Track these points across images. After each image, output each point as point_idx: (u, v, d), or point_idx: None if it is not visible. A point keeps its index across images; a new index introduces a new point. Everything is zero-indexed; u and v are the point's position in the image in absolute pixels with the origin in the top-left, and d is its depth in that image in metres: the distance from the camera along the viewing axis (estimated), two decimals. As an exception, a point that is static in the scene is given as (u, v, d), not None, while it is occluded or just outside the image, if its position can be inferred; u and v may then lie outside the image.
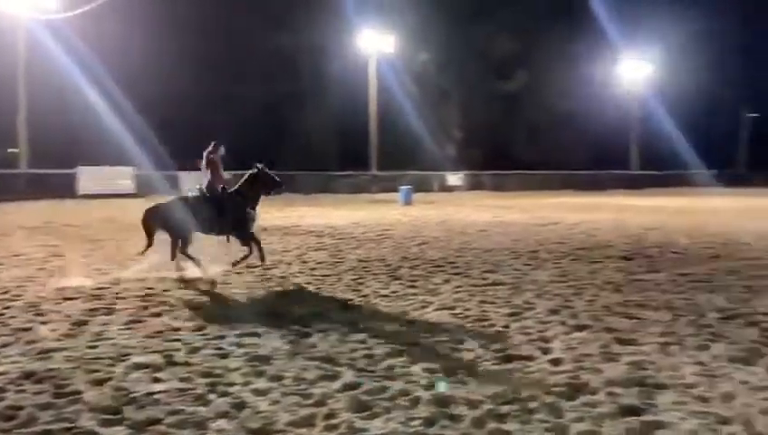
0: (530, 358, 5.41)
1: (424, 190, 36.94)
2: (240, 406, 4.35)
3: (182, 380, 4.81)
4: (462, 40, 48.53)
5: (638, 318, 6.80)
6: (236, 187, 9.56)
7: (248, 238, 9.48)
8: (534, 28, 49.61)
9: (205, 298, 7.78)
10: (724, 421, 4.06)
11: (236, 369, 5.08)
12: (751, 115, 60.00)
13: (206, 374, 4.93)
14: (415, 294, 7.98)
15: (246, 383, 4.77)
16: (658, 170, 53.15)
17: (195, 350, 5.57)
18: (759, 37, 59.21)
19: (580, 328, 6.38)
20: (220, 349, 5.61)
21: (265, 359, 5.32)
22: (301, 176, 36.78)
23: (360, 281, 8.91)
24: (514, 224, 18.17)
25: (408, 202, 27.80)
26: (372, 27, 41.16)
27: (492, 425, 4.06)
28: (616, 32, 49.46)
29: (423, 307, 7.28)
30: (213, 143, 9.45)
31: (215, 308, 7.26)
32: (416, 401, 4.42)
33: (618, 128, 53.71)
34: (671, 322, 6.63)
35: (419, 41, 46.70)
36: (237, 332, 6.09)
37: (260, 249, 9.45)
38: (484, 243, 13.46)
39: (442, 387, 4.65)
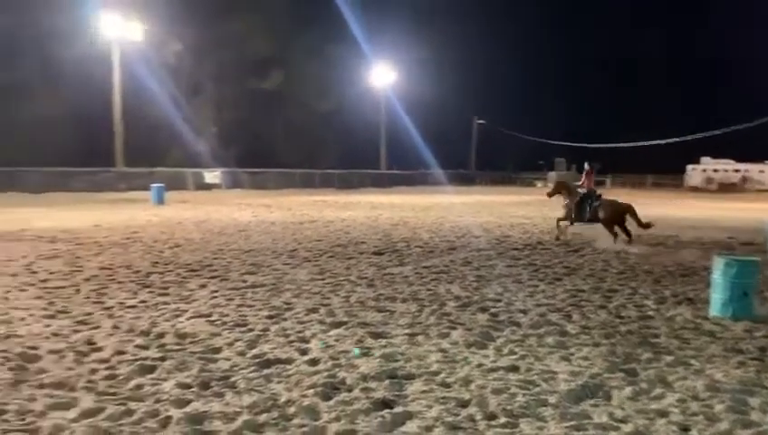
0: (288, 361, 5.37)
1: (178, 189, 35.04)
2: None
3: None
4: (217, 34, 47.10)
5: (389, 311, 7.19)
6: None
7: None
8: (290, 29, 50.19)
9: None
10: (464, 404, 4.45)
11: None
12: (479, 121, 68.20)
13: None
14: (167, 303, 7.45)
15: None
16: (403, 170, 57.72)
17: None
18: (489, 52, 67.81)
19: (337, 325, 6.53)
20: None
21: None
22: (28, 172, 32.22)
23: (102, 292, 8.03)
24: (274, 223, 18.14)
25: (160, 201, 26.11)
26: (114, 12, 37.67)
27: (248, 437, 3.92)
28: (366, 39, 52.62)
29: (176, 316, 6.82)
30: (588, 163, 14.83)
31: None
32: (166, 422, 4.08)
33: (369, 129, 57.07)
34: (417, 313, 7.13)
35: (171, 31, 44.18)
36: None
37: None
38: (243, 243, 13.17)
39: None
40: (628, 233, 13.63)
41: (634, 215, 13.50)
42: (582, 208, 13.84)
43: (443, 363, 5.32)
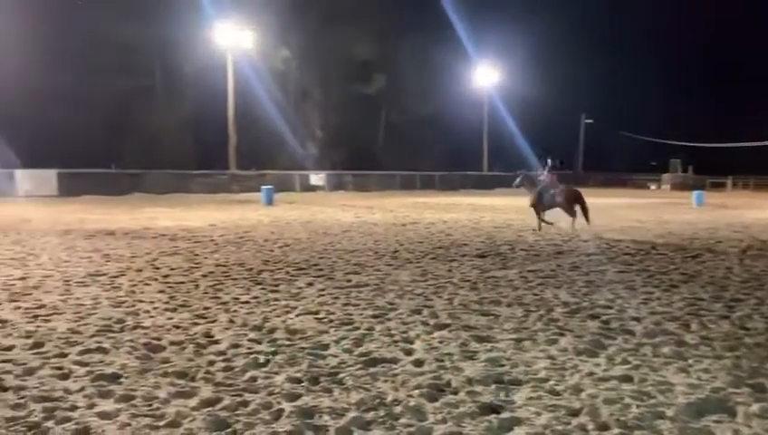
0: (394, 360, 5.42)
1: (286, 190, 36.40)
2: (84, 432, 3.93)
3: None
4: (322, 41, 48.54)
5: (493, 315, 7.09)
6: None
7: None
8: (393, 34, 50.84)
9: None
10: (574, 413, 4.30)
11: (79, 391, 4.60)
12: (587, 121, 65.75)
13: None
14: (277, 300, 7.76)
15: (91, 406, 4.33)
16: (506, 171, 56.62)
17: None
18: (596, 51, 65.25)
19: (441, 327, 6.52)
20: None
21: (113, 378, 4.88)
22: (152, 175, 34.74)
23: (218, 287, 8.50)
24: (376, 224, 18.41)
25: (269, 202, 27.24)
26: (228, 21, 39.74)
27: (357, 434, 4.00)
28: (470, 41, 52.28)
29: (286, 313, 7.09)
30: (551, 160, 17.26)
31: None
32: (278, 414, 4.24)
33: (470, 131, 56.56)
34: (523, 317, 6.98)
35: (279, 39, 46.04)
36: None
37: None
38: (347, 244, 13.47)
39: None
40: (586, 216, 16.11)
41: (582, 202, 16.23)
42: (543, 198, 16.60)
43: (551, 370, 5.17)
